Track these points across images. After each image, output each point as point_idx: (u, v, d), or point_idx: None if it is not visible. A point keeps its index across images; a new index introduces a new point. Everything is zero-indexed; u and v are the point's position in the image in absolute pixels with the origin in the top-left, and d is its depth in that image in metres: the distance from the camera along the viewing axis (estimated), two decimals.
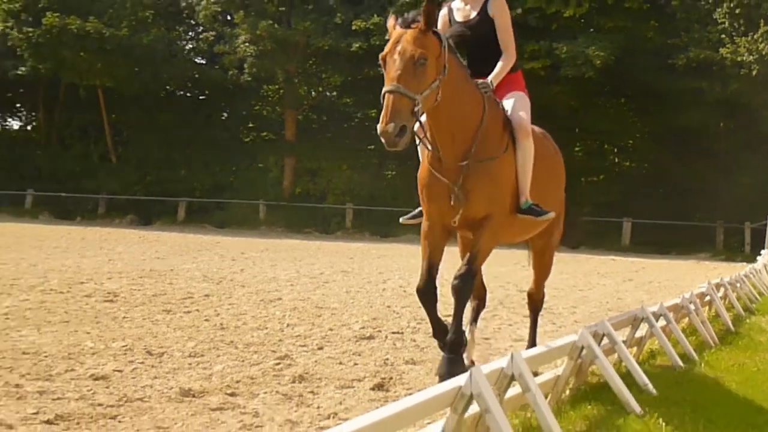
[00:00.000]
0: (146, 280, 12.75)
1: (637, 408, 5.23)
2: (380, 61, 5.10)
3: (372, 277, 15.40)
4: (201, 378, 6.03)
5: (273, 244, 25.70)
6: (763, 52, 29.14)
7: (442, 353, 5.58)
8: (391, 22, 5.26)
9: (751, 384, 6.32)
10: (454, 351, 5.38)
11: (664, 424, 4.95)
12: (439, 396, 3.72)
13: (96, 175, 37.96)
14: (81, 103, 38.90)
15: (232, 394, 5.61)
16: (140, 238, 26.03)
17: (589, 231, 30.77)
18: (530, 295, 7.18)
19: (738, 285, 11.87)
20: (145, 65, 36.42)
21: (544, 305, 7.59)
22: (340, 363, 6.94)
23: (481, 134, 5.43)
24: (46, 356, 6.49)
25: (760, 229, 28.22)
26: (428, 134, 5.39)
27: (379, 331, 8.70)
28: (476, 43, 5.91)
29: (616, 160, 38.70)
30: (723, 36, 31.07)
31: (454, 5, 6.10)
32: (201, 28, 41.02)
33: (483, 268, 5.95)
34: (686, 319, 8.67)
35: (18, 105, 43.57)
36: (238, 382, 5.96)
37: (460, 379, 3.81)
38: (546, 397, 4.81)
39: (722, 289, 10.65)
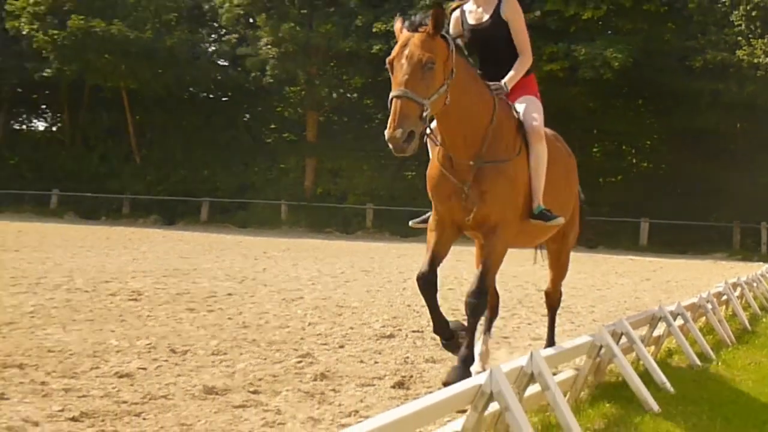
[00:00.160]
0: (170, 279, 12.86)
1: (655, 406, 5.26)
2: (387, 65, 5.02)
3: (392, 277, 15.46)
4: (224, 376, 6.08)
5: (295, 244, 25.80)
6: None
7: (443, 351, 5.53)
8: (398, 25, 5.15)
9: (767, 382, 6.33)
10: (465, 364, 5.28)
11: (681, 422, 4.98)
12: (460, 394, 3.74)
13: (120, 176, 38.29)
14: (105, 105, 39.30)
15: (254, 392, 5.66)
16: (164, 237, 26.22)
17: (607, 231, 30.84)
18: (547, 294, 7.20)
19: (755, 284, 11.91)
20: (168, 67, 36.70)
21: (563, 304, 7.63)
22: (361, 361, 6.99)
23: (491, 134, 5.35)
24: (71, 354, 6.56)
25: None
26: (438, 135, 5.34)
27: (400, 330, 8.75)
28: (488, 46, 5.86)
29: (634, 160, 38.63)
30: (739, 38, 31.14)
31: (466, 7, 6.01)
32: (224, 30, 41.22)
33: (502, 267, 5.91)
34: (703, 318, 8.69)
35: (43, 106, 44.02)
36: (260, 379, 6.01)
37: (481, 378, 3.85)
38: (565, 396, 4.85)
39: (739, 289, 10.66)
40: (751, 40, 30.67)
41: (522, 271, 16.19)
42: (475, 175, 5.32)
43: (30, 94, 41.70)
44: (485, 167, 5.33)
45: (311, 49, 35.72)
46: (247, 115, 42.18)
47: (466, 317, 5.48)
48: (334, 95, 39.73)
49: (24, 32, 36.80)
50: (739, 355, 7.61)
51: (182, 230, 31.58)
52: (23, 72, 37.68)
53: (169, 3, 38.13)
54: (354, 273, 15.89)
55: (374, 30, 34.22)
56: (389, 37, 33.27)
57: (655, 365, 6.06)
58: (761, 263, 22.54)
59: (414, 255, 22.49)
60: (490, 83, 5.59)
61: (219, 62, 41.84)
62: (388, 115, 4.74)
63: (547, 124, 5.95)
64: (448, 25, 5.80)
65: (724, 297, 9.60)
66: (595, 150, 36.64)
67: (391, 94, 4.80)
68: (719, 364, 7.07)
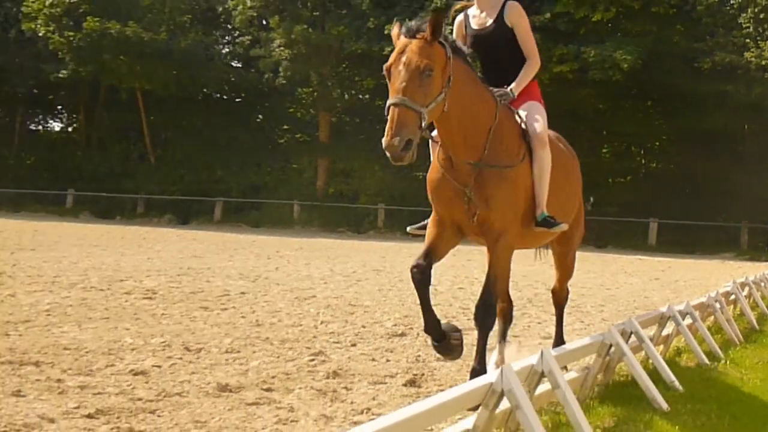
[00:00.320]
0: (184, 278, 12.94)
1: (664, 404, 5.29)
2: (384, 72, 4.87)
3: (403, 276, 15.42)
4: (237, 373, 6.13)
5: (307, 243, 25.88)
6: None
7: (434, 350, 5.42)
8: (395, 30, 4.98)
9: None
10: (474, 377, 5.09)
11: (690, 420, 5.01)
12: (471, 392, 3.76)
13: (135, 176, 38.57)
14: (120, 105, 39.54)
15: (267, 390, 5.70)
16: (178, 237, 26.34)
17: (616, 231, 30.85)
18: (554, 293, 7.16)
19: (762, 284, 11.94)
20: (182, 69, 36.90)
21: (573, 303, 7.67)
22: (373, 359, 7.03)
23: (493, 137, 5.22)
24: (86, 352, 6.60)
25: None
26: (439, 138, 5.26)
27: (411, 329, 8.77)
28: (491, 51, 5.75)
29: (643, 161, 38.76)
30: (748, 40, 31.27)
31: (470, 12, 5.87)
32: (237, 32, 41.44)
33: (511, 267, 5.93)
34: (712, 318, 8.71)
35: (59, 107, 44.36)
36: (273, 377, 6.06)
37: (492, 376, 3.87)
38: (575, 394, 4.89)
39: (747, 288, 10.67)
40: (759, 42, 30.79)
41: (532, 271, 16.15)
42: (478, 179, 5.21)
43: (46, 95, 42.02)
44: (488, 172, 5.20)
45: (324, 50, 35.83)
46: (260, 116, 42.37)
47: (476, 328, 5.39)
48: (346, 96, 39.83)
49: (40, 34, 37.15)
50: (747, 354, 7.63)
51: (196, 230, 31.72)
52: (39, 73, 38.03)
53: (183, 5, 38.42)
54: (366, 272, 15.94)
55: (386, 32, 34.06)
56: None
57: (663, 364, 6.09)
58: None
59: None
60: (494, 89, 5.48)
61: (232, 64, 42.09)
62: (385, 123, 4.61)
63: (556, 125, 5.88)
64: (451, 29, 5.78)
65: (732, 296, 9.62)
66: (604, 151, 36.91)
67: (389, 102, 4.67)
68: (727, 363, 7.08)
